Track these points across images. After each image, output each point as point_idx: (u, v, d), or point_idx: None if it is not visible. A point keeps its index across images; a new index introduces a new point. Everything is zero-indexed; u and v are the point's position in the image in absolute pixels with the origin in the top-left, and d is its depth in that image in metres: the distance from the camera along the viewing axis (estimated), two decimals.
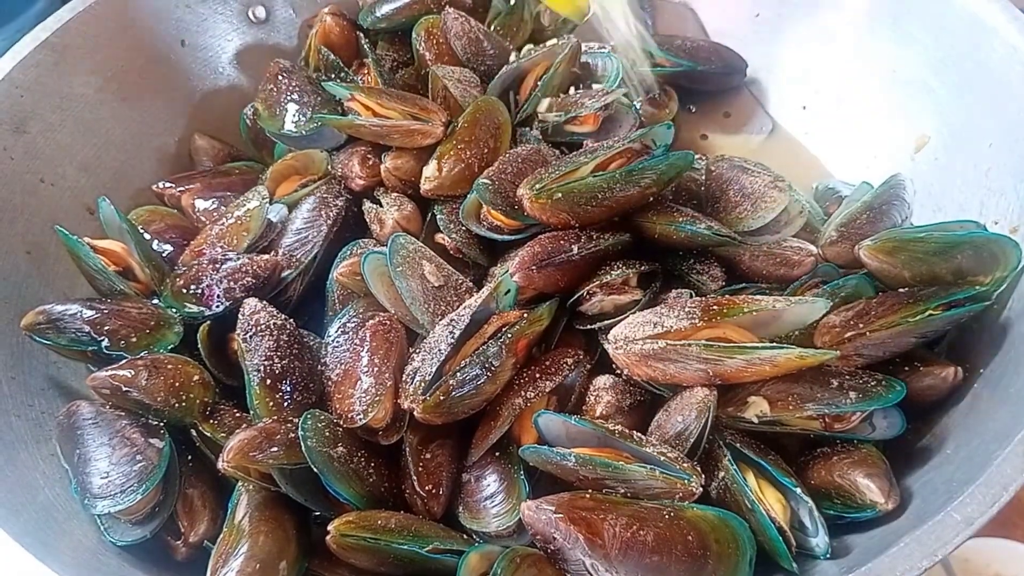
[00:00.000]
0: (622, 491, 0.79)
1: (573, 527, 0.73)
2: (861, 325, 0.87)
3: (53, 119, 1.15)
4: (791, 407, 0.84)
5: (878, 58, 1.19)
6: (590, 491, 0.79)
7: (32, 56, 1.13)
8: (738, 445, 0.84)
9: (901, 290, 0.92)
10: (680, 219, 0.97)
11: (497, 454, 0.89)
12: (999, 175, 1.01)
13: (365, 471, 0.87)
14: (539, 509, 0.75)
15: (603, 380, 0.92)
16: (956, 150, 1.08)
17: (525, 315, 0.91)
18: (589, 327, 0.95)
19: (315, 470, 0.82)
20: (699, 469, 0.80)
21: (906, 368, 0.89)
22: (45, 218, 1.11)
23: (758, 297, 0.88)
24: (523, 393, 0.88)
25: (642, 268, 0.97)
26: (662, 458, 0.79)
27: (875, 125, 1.21)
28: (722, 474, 0.83)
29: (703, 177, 1.07)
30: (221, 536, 0.83)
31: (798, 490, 0.81)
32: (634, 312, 0.91)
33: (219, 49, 1.34)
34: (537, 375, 0.90)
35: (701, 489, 0.78)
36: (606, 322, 0.93)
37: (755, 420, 0.85)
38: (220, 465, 0.82)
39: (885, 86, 1.19)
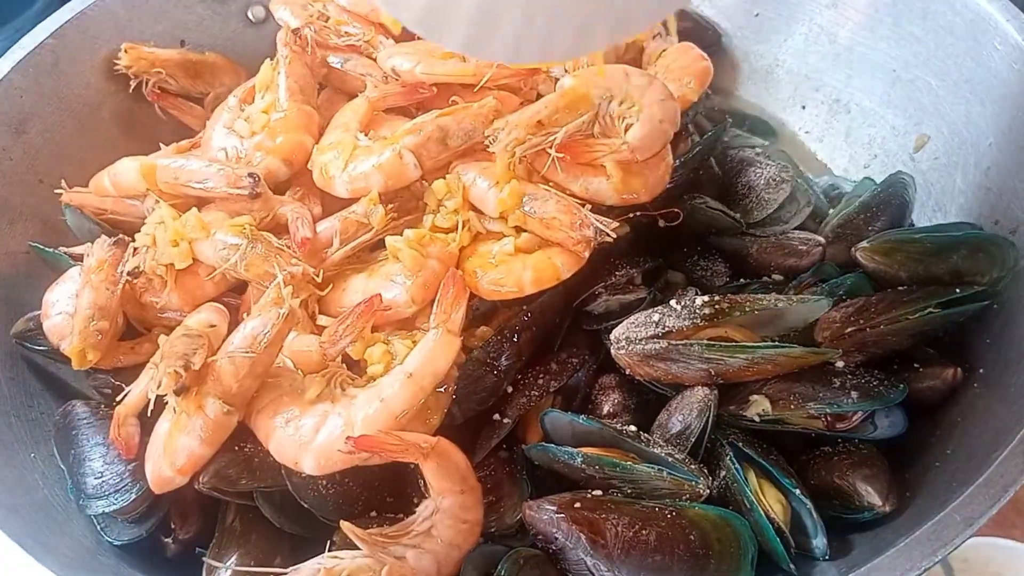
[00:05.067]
0: (628, 491, 0.79)
1: (575, 527, 0.73)
2: (862, 321, 0.87)
3: (52, 120, 1.15)
4: (793, 406, 0.84)
5: (878, 57, 1.19)
6: (592, 491, 0.79)
7: (31, 57, 1.13)
8: (740, 444, 0.84)
9: (900, 288, 0.92)
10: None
11: (500, 454, 0.89)
12: (999, 174, 1.01)
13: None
14: (541, 509, 0.75)
15: (609, 379, 0.92)
16: (956, 149, 1.08)
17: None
18: (595, 327, 0.95)
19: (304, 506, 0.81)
20: (706, 471, 0.80)
21: (906, 369, 0.89)
22: (44, 219, 1.10)
23: (760, 296, 0.88)
24: (528, 392, 0.88)
25: (645, 265, 0.97)
26: (670, 459, 0.79)
27: (875, 124, 1.21)
28: (724, 473, 0.83)
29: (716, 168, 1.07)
30: (216, 536, 0.83)
31: (797, 491, 0.80)
32: (640, 310, 0.91)
33: (218, 49, 1.34)
34: (542, 375, 0.90)
35: (708, 491, 0.78)
36: (612, 322, 0.92)
37: (757, 419, 0.85)
38: (196, 486, 0.81)
39: (885, 85, 1.19)
